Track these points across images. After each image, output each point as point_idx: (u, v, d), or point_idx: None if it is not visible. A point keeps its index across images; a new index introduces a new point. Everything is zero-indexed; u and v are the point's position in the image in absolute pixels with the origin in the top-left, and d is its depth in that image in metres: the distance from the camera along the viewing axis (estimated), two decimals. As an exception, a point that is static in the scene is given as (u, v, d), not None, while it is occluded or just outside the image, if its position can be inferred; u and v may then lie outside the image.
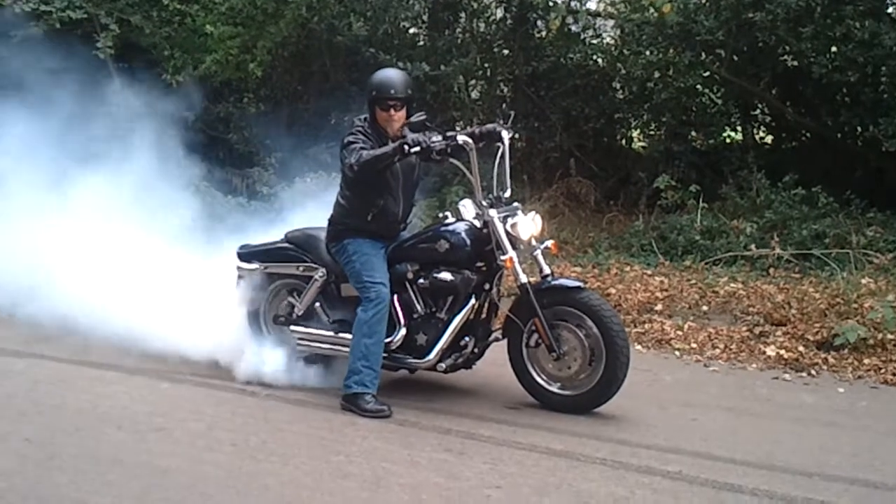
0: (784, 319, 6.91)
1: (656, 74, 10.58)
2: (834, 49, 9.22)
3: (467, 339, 5.29)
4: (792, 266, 8.18)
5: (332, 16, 11.03)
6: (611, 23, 11.77)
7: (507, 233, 5.15)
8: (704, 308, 7.41)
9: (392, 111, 5.21)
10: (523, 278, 5.13)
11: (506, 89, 12.09)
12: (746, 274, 8.08)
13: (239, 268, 5.94)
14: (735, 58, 10.34)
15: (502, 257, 5.11)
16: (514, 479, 4.28)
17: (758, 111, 11.36)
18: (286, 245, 5.78)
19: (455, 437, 4.81)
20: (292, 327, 5.68)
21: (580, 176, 10.76)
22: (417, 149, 4.94)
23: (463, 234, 5.23)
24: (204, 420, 5.03)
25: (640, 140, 12.34)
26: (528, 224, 5.22)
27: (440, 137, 5.09)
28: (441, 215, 5.49)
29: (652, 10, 9.79)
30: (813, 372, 6.16)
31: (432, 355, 5.24)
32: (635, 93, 11.19)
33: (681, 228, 9.15)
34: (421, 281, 5.30)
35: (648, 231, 9.45)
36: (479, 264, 5.27)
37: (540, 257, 5.28)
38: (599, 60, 11.39)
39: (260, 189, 10.54)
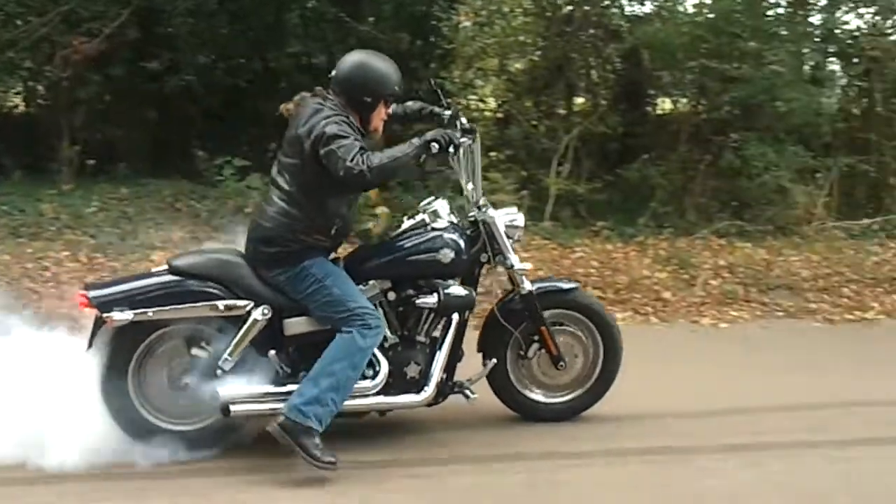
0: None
1: None
2: None
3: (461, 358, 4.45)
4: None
5: None
6: None
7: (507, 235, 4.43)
8: None
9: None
10: (528, 286, 4.44)
11: None
12: None
13: (98, 320, 3.97)
14: None
15: (519, 266, 4.40)
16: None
17: None
18: (181, 280, 4.06)
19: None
20: (221, 389, 4.01)
21: None
22: (451, 147, 3.98)
23: (461, 241, 4.29)
24: None
25: None
26: (521, 223, 4.56)
27: (457, 132, 4.17)
28: (419, 219, 4.37)
29: None
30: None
31: (430, 389, 4.23)
32: None
33: None
34: (424, 300, 4.22)
35: None
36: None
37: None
38: None
39: None
